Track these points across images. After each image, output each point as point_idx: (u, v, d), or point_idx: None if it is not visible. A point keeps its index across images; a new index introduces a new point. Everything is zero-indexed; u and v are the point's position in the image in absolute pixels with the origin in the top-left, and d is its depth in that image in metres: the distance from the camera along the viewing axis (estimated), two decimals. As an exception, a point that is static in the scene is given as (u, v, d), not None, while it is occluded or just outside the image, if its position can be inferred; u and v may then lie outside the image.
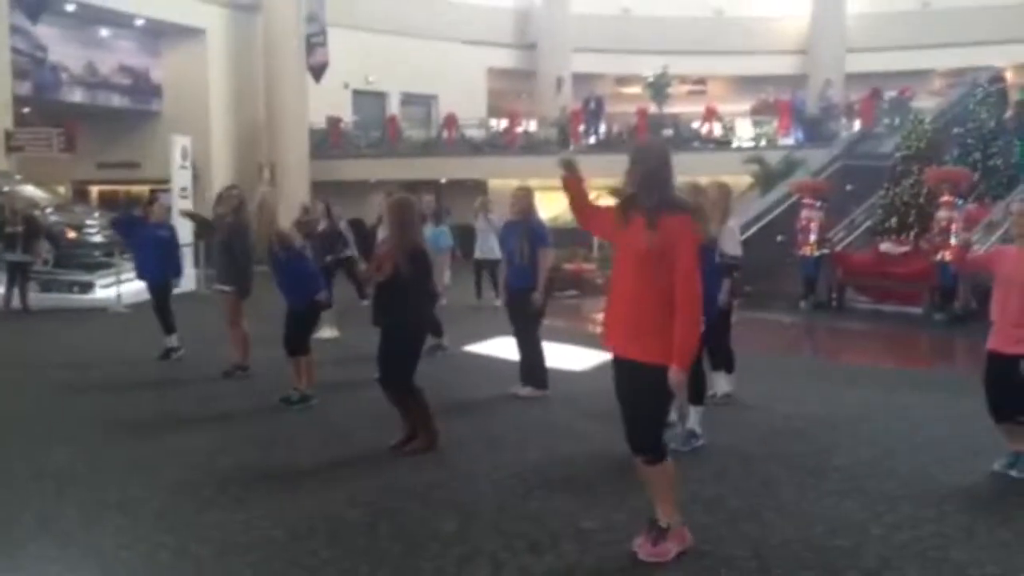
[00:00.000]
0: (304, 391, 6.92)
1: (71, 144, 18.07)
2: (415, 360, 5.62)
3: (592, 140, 23.72)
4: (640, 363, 3.71)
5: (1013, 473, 5.06)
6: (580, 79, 27.67)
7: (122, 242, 11.62)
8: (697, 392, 5.55)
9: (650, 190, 3.72)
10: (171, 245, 9.36)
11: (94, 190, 24.77)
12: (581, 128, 23.57)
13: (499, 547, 4.08)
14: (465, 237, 14.62)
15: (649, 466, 3.83)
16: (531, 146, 24.18)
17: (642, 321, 3.71)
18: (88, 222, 15.53)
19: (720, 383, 6.81)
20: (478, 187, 23.24)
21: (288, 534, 4.26)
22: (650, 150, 3.92)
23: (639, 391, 3.75)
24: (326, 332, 9.80)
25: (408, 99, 27.15)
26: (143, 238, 9.18)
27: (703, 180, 6.26)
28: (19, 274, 13.24)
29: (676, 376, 3.63)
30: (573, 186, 4.10)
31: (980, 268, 6.00)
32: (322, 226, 10.62)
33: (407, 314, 5.50)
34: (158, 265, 9.10)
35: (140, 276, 9.68)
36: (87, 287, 14.14)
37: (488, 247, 13.19)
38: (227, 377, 7.97)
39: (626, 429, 3.86)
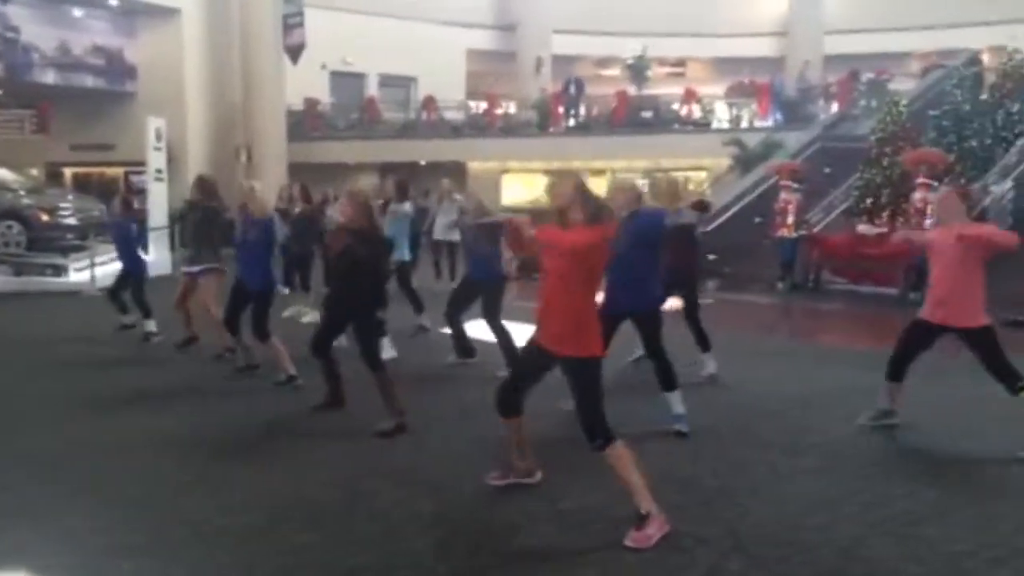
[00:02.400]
0: (289, 371, 6.96)
1: (44, 126, 17.89)
2: (370, 336, 5.85)
3: (572, 123, 23.68)
4: (572, 357, 4.07)
5: (864, 422, 5.69)
6: (560, 61, 27.56)
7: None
8: (669, 380, 5.59)
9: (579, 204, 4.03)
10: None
11: (68, 172, 24.44)
12: (560, 110, 23.52)
13: (477, 529, 4.09)
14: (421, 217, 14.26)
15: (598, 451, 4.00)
16: (510, 128, 24.13)
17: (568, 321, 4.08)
18: (62, 205, 15.33)
19: (708, 364, 7.00)
20: (458, 168, 23.17)
21: (265, 518, 4.25)
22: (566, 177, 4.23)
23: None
24: (308, 316, 9.77)
25: (387, 81, 26.95)
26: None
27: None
28: None
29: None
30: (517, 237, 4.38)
31: (920, 249, 6.30)
32: (297, 209, 10.55)
33: (353, 291, 5.80)
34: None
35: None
36: (61, 270, 13.98)
37: (446, 229, 12.97)
38: (218, 360, 7.92)
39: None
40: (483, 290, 7.37)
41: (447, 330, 7.87)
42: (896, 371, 5.62)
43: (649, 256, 5.42)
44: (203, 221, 8.09)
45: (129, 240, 9.34)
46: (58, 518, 4.28)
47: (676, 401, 5.62)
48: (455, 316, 7.70)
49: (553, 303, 4.09)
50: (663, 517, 3.95)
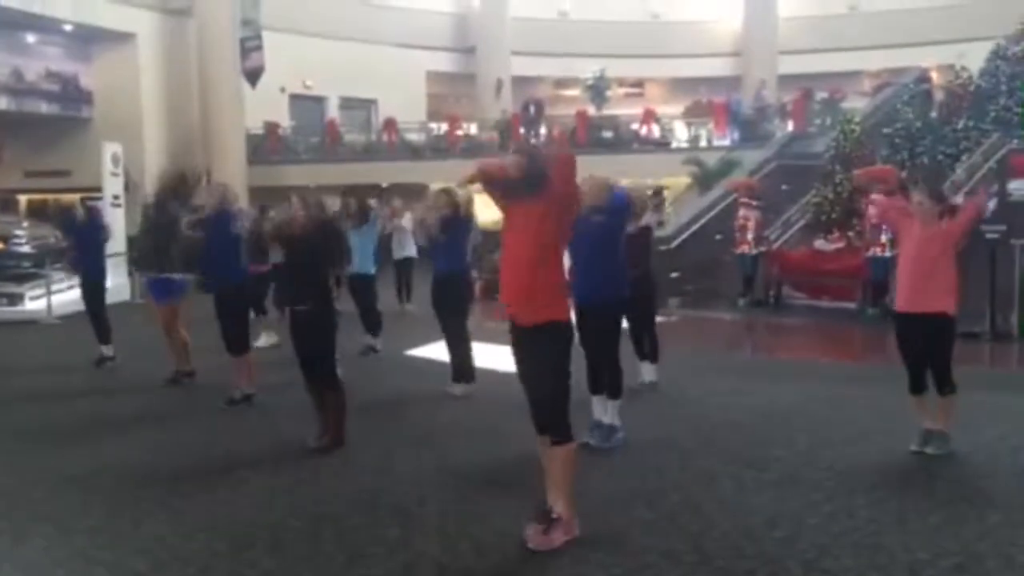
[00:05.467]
0: (245, 390, 6.92)
1: (-3, 153, 17.55)
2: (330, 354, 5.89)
3: (532, 143, 23.81)
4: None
5: (928, 450, 5.35)
6: (519, 82, 27.75)
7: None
8: (615, 386, 5.61)
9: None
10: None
11: (22, 199, 24.02)
12: (521, 131, 23.66)
13: (443, 551, 4.07)
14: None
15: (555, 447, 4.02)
16: (472, 149, 24.19)
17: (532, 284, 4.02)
18: (16, 232, 15.10)
19: (646, 371, 7.05)
20: (420, 190, 23.14)
21: (229, 545, 4.19)
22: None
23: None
24: (263, 340, 9.68)
25: (347, 103, 26.91)
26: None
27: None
28: None
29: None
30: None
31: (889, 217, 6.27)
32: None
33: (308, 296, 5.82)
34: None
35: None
36: (16, 299, 13.72)
37: (403, 245, 13.18)
38: (172, 384, 7.82)
39: (532, 410, 4.16)
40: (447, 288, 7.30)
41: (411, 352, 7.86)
42: (915, 383, 5.48)
43: (610, 249, 5.45)
44: None
45: (96, 245, 9.10)
46: (16, 551, 4.19)
47: (613, 412, 5.63)
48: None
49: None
50: (575, 523, 4.03)
